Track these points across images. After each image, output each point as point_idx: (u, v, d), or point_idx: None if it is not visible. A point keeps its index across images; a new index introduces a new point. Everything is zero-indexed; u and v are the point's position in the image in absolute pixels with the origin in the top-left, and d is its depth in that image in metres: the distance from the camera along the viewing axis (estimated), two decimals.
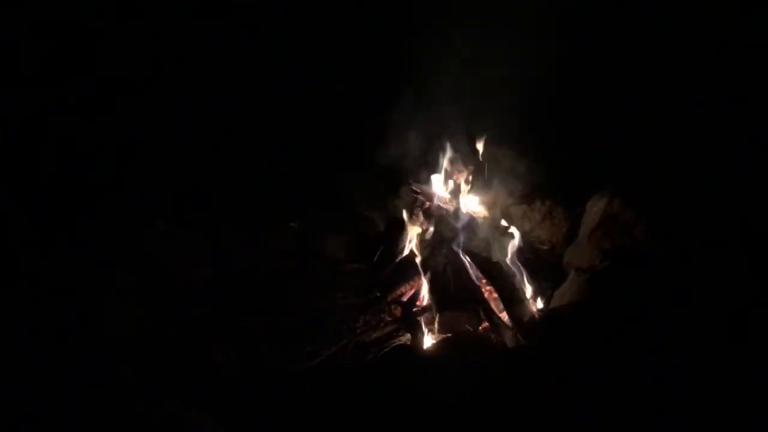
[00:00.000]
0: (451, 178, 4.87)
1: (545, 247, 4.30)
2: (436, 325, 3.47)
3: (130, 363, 2.82)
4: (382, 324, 3.66)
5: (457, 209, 4.45)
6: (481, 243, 4.05)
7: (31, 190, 3.60)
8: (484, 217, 4.56)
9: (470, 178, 4.88)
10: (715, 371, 2.39)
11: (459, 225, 4.15)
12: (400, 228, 4.35)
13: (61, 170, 3.80)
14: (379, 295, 3.87)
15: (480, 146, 5.06)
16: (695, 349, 2.51)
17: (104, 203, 3.73)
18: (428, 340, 3.47)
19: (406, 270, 3.95)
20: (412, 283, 3.90)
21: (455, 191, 4.76)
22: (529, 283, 3.82)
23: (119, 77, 4.49)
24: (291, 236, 4.36)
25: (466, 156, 4.97)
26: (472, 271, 3.79)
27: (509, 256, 3.93)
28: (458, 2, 5.07)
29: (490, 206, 4.70)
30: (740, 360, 2.42)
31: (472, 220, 4.30)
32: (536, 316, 3.49)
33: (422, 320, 3.63)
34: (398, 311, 3.74)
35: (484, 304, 3.57)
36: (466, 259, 3.85)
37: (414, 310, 3.74)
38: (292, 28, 5.42)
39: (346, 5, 5.38)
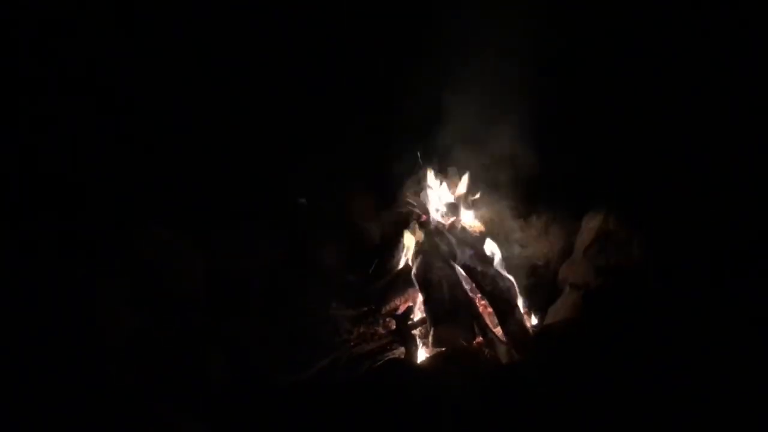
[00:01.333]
0: (447, 191, 4.88)
1: (540, 263, 4.30)
2: (430, 339, 3.45)
3: (122, 367, 2.79)
4: (376, 336, 3.65)
5: (453, 223, 4.45)
6: (477, 257, 4.04)
7: (27, 190, 3.59)
8: (480, 232, 4.56)
9: (467, 191, 4.89)
10: (713, 390, 2.39)
11: (454, 239, 4.14)
12: (396, 240, 4.35)
13: (57, 171, 3.79)
14: (373, 307, 3.86)
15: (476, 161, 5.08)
16: (691, 367, 2.51)
17: (99, 205, 3.72)
18: (422, 354, 3.45)
19: (401, 283, 3.94)
20: (406, 296, 3.89)
21: (451, 205, 4.77)
22: (523, 298, 3.81)
23: (118, 81, 4.50)
24: (286, 244, 4.36)
25: (462, 169, 4.99)
26: (467, 285, 3.79)
27: (504, 271, 3.93)
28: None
29: (486, 220, 4.70)
30: (739, 378, 2.42)
31: (467, 234, 4.30)
32: (530, 331, 3.48)
33: (416, 333, 3.62)
34: (392, 324, 3.73)
35: (479, 318, 3.55)
36: (461, 273, 3.84)
37: (408, 323, 3.72)
38: (292, 29, 5.42)
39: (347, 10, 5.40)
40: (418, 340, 3.55)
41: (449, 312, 3.50)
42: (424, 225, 4.38)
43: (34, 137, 3.90)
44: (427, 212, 4.62)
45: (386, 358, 3.38)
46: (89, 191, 3.83)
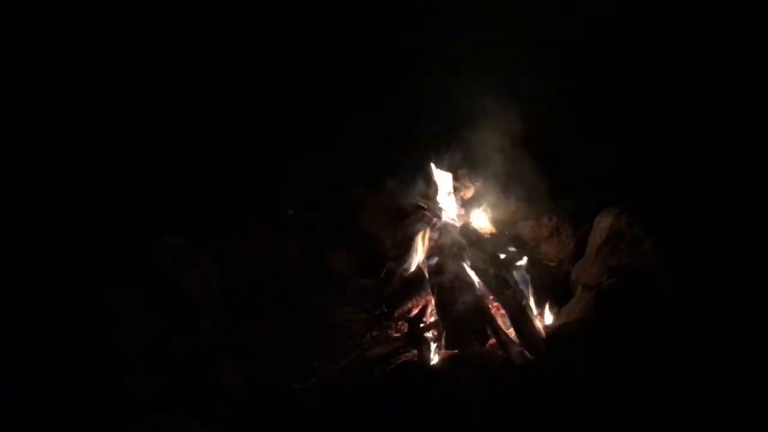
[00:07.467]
0: (458, 193, 4.89)
1: (552, 264, 4.29)
2: (442, 342, 3.46)
3: (136, 374, 2.83)
4: (388, 340, 3.66)
5: (465, 225, 4.45)
6: (489, 259, 4.04)
7: (46, 201, 3.65)
8: (492, 233, 4.56)
9: (478, 193, 4.89)
10: (726, 389, 2.37)
11: (466, 241, 4.15)
12: (408, 244, 4.36)
13: (74, 183, 3.85)
14: (386, 310, 3.87)
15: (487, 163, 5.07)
16: (704, 367, 2.50)
17: (114, 217, 3.77)
18: (435, 357, 3.46)
19: (414, 286, 3.95)
20: (419, 299, 3.90)
21: (463, 207, 4.77)
22: (536, 299, 3.81)
23: (130, 95, 4.56)
24: (298, 252, 4.38)
25: (473, 172, 4.99)
26: (480, 288, 3.79)
27: (516, 272, 3.92)
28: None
29: (497, 222, 4.70)
30: (753, 378, 2.40)
31: (479, 236, 4.30)
32: (543, 332, 3.47)
33: (429, 336, 3.63)
34: (405, 327, 3.74)
35: (492, 320, 3.56)
36: (474, 275, 3.85)
37: (421, 326, 3.73)
38: (298, 33, 5.45)
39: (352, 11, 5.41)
40: (430, 342, 3.56)
41: (461, 314, 3.51)
42: (435, 228, 4.39)
43: (52, 153, 3.96)
44: (438, 215, 4.62)
45: (399, 361, 3.39)
46: (107, 203, 3.89)
